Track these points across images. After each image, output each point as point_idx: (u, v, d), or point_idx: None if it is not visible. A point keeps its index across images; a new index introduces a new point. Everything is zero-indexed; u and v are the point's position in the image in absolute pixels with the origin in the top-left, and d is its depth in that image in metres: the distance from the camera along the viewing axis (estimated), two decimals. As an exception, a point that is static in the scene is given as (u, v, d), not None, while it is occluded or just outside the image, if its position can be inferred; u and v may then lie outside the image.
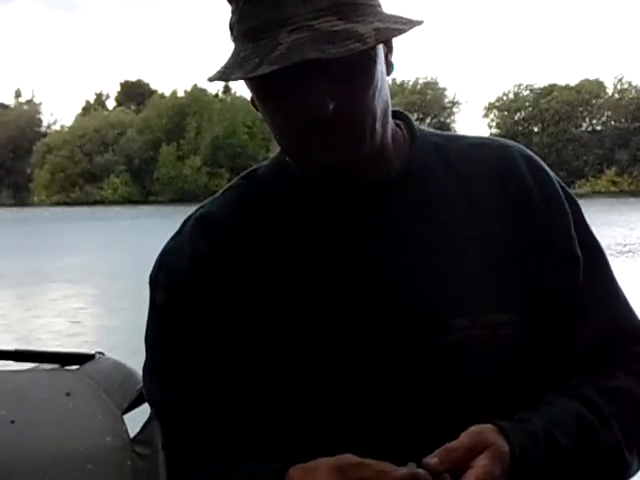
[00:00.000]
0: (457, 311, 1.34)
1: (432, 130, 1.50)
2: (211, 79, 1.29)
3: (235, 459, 1.35)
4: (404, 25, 1.27)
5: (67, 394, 1.60)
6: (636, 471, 1.38)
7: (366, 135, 1.30)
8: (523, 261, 1.38)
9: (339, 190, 1.37)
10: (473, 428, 1.25)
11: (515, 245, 1.38)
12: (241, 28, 1.28)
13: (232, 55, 1.29)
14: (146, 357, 1.44)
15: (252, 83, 1.31)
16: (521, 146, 1.48)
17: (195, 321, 1.38)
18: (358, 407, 1.33)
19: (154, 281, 1.44)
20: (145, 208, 57.59)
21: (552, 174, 1.45)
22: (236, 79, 1.26)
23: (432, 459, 1.21)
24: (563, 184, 1.46)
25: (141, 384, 1.51)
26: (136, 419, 1.61)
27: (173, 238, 1.46)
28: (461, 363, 1.33)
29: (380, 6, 1.30)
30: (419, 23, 1.27)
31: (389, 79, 1.38)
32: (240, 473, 1.32)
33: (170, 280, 1.41)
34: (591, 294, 1.41)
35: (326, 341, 1.34)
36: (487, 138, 1.51)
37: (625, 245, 22.89)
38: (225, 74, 1.27)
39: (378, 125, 1.32)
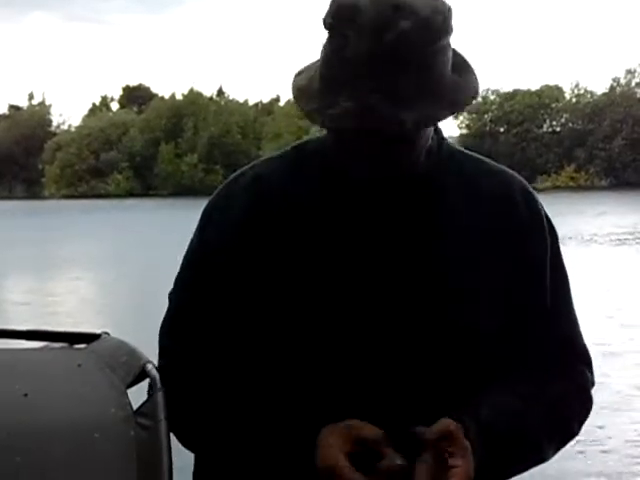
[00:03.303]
0: (451, 314, 1.45)
1: (456, 146, 1.58)
2: (308, 110, 1.35)
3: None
4: None
5: (79, 365, 1.60)
6: (551, 457, 1.53)
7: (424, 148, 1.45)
8: (505, 278, 1.49)
9: (371, 180, 1.42)
10: (451, 428, 1.37)
11: (501, 263, 1.49)
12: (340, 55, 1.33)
13: (322, 87, 1.35)
14: (179, 272, 1.53)
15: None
16: (523, 180, 1.58)
17: (235, 264, 1.44)
18: (357, 373, 1.42)
19: (208, 216, 1.49)
20: (146, 201, 57.37)
21: (542, 206, 1.56)
22: (330, 119, 1.33)
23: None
24: (549, 216, 1.56)
25: (143, 361, 1.53)
26: (139, 393, 1.61)
27: (227, 187, 1.51)
28: (449, 352, 1.45)
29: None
30: None
31: None
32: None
33: (223, 220, 1.47)
34: (552, 312, 1.53)
35: (335, 310, 1.42)
36: (497, 167, 1.58)
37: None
38: (320, 109, 1.33)
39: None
